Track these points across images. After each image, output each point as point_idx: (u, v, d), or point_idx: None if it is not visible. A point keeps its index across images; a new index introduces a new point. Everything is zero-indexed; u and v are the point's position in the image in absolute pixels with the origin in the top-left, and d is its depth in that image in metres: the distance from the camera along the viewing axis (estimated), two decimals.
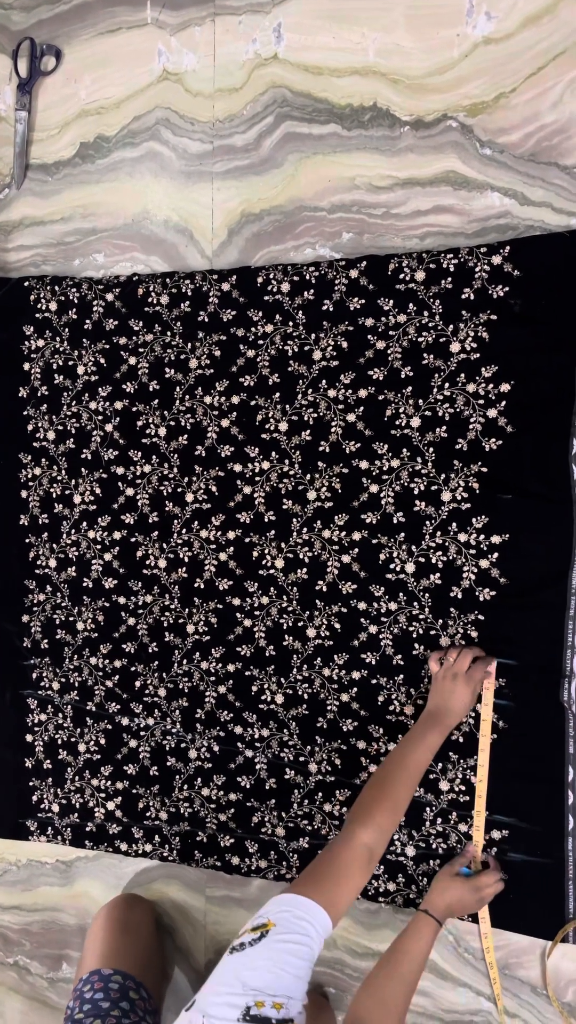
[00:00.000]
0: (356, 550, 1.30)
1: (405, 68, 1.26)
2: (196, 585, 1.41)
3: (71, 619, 1.51)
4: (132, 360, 1.44)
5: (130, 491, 1.45)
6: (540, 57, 1.18)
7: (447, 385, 1.24)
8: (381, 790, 1.07)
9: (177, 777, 1.44)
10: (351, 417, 1.29)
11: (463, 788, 1.24)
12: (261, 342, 1.35)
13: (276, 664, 1.36)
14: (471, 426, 1.22)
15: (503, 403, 1.20)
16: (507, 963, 1.26)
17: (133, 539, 1.45)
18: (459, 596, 1.24)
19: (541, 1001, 1.24)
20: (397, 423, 1.27)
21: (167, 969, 1.45)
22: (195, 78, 1.40)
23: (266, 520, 1.35)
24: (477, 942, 1.28)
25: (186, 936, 1.49)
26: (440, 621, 1.25)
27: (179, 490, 1.42)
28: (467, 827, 1.24)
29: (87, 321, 1.48)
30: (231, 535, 1.38)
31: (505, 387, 1.20)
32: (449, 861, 1.23)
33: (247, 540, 1.37)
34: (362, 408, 1.29)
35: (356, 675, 1.30)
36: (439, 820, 1.26)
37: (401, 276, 1.25)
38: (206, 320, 1.39)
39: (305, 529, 1.33)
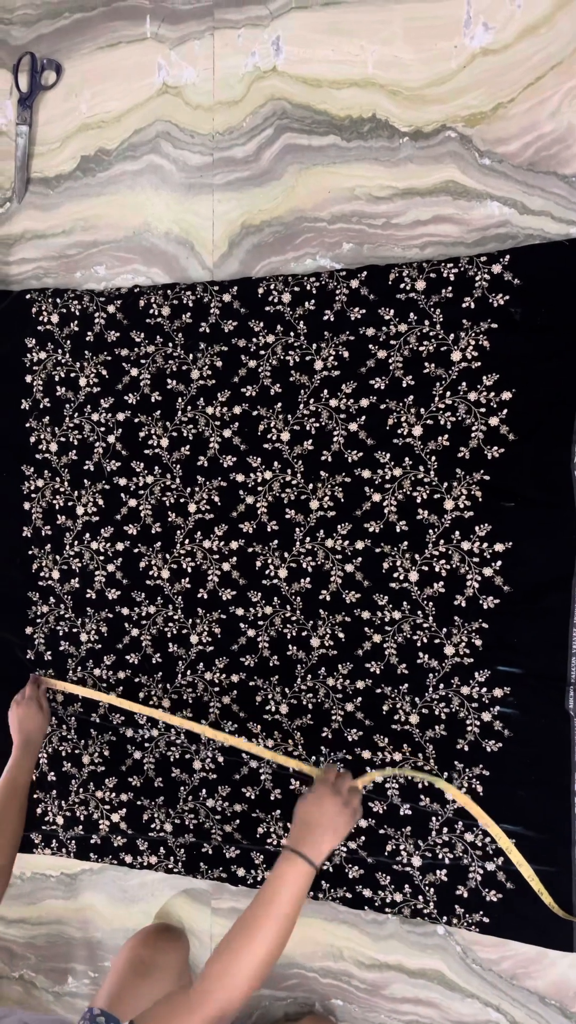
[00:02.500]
0: (359, 559, 1.30)
1: (404, 80, 1.27)
2: (199, 595, 1.41)
3: (74, 630, 1.51)
4: (134, 371, 1.45)
5: (133, 502, 1.45)
6: (538, 67, 1.19)
7: (448, 394, 1.24)
8: (238, 953, 0.93)
9: (182, 788, 1.44)
10: (353, 426, 1.30)
11: (469, 796, 1.24)
12: (262, 352, 1.35)
13: (280, 674, 1.36)
14: (473, 434, 1.22)
15: (505, 411, 1.20)
16: (515, 973, 1.25)
17: (136, 550, 1.45)
18: (463, 604, 1.23)
19: (551, 1011, 1.24)
20: (399, 432, 1.27)
21: None
22: (195, 91, 1.41)
23: (269, 530, 1.35)
24: (485, 953, 1.27)
25: (192, 949, 1.49)
26: (444, 630, 1.25)
27: (182, 500, 1.42)
28: (474, 836, 1.24)
29: (89, 333, 1.48)
30: (234, 545, 1.38)
31: (506, 395, 1.20)
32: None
33: (250, 550, 1.37)
34: (364, 417, 1.29)
35: (360, 684, 1.30)
36: (445, 829, 1.25)
37: (402, 286, 1.26)
38: (207, 331, 1.39)
39: (308, 538, 1.33)
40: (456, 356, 1.23)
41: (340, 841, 1.05)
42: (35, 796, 1.55)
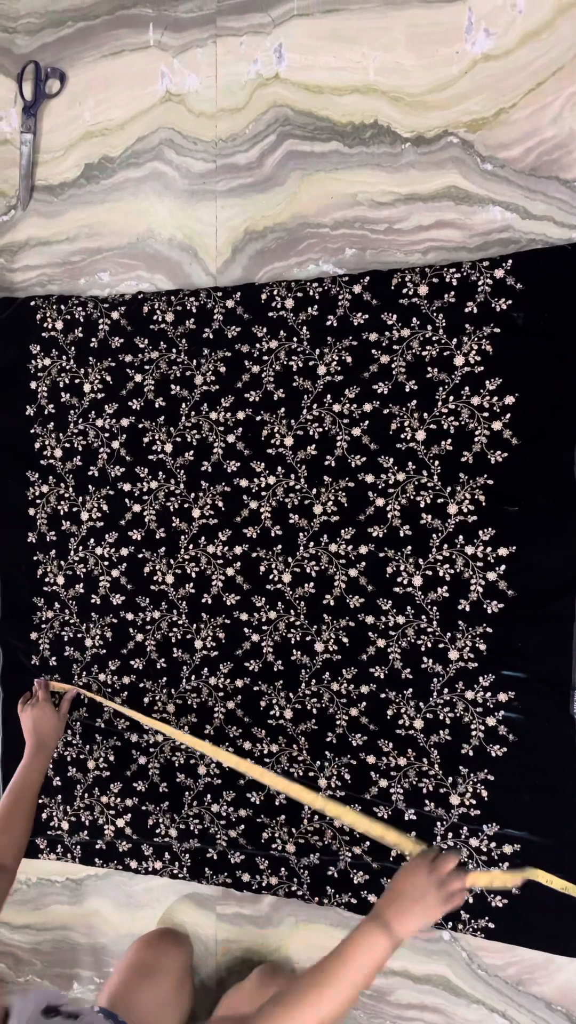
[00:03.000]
0: (363, 564, 1.30)
1: (405, 86, 1.27)
2: (204, 600, 1.41)
3: (79, 636, 1.52)
4: (138, 377, 1.45)
5: (137, 507, 1.46)
6: (539, 73, 1.19)
7: (452, 398, 1.24)
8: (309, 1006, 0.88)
9: (187, 793, 1.44)
10: (356, 431, 1.30)
11: (474, 802, 1.23)
12: (266, 358, 1.36)
13: (284, 679, 1.36)
14: (476, 439, 1.22)
15: (508, 415, 1.21)
16: (521, 979, 1.25)
17: (140, 555, 1.46)
18: (467, 609, 1.23)
19: (557, 1017, 1.23)
20: (402, 437, 1.27)
21: (182, 1018, 1.38)
22: (198, 99, 1.42)
23: (273, 535, 1.36)
24: (491, 958, 1.27)
25: (197, 954, 1.48)
26: (448, 634, 1.25)
27: (186, 506, 1.42)
28: (479, 841, 1.23)
29: (93, 339, 1.49)
30: (238, 550, 1.38)
31: (509, 399, 1.20)
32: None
33: (254, 555, 1.37)
34: (367, 422, 1.29)
35: (365, 689, 1.30)
36: (450, 835, 1.25)
37: (404, 291, 1.26)
38: (211, 337, 1.40)
39: (312, 543, 1.33)
40: (459, 361, 1.23)
41: (429, 922, 0.96)
42: (40, 801, 1.55)
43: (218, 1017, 0.89)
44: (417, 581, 1.26)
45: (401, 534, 1.27)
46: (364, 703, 1.30)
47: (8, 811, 1.31)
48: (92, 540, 1.50)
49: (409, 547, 1.27)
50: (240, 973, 1.44)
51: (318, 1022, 0.86)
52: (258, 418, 1.36)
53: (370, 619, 1.29)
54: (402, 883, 0.98)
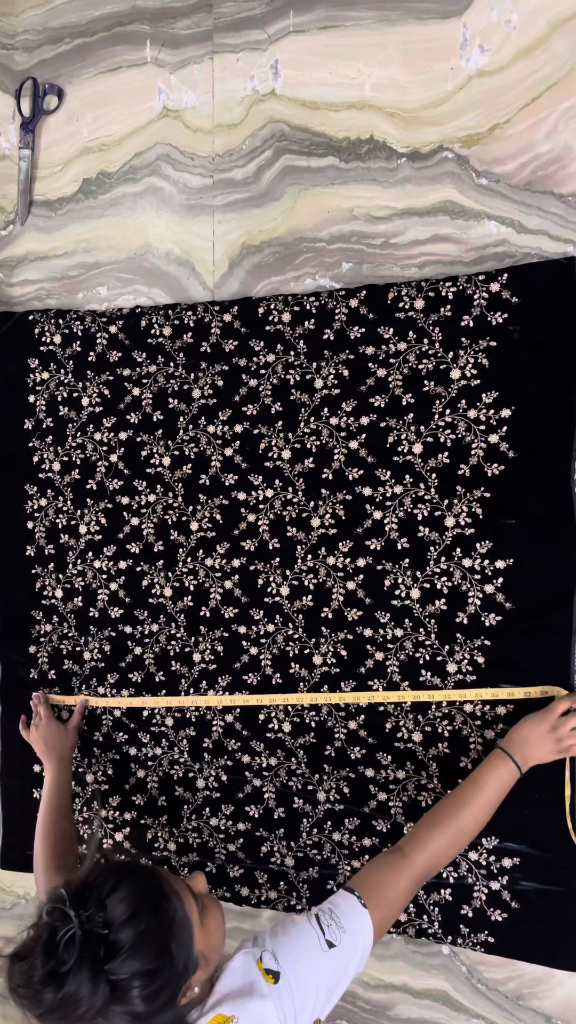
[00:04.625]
0: (361, 577, 1.30)
1: (401, 101, 1.28)
2: (202, 613, 1.41)
3: (78, 649, 1.52)
4: (136, 391, 1.46)
5: (135, 521, 1.46)
6: (534, 88, 1.20)
7: (448, 411, 1.24)
8: (440, 825, 1.06)
9: (185, 807, 1.43)
10: (353, 444, 1.30)
11: None
12: (263, 371, 1.36)
13: (283, 692, 1.35)
14: (473, 452, 1.23)
15: (504, 428, 1.21)
16: (521, 994, 1.24)
17: (139, 568, 1.46)
18: (465, 622, 1.23)
19: None
20: (399, 450, 1.27)
21: None
22: (195, 114, 1.43)
23: (271, 548, 1.36)
24: (491, 973, 1.26)
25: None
26: (446, 647, 1.25)
27: (184, 519, 1.42)
28: (477, 855, 1.23)
29: (91, 353, 1.49)
30: (236, 563, 1.38)
31: (506, 412, 1.21)
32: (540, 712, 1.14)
33: (252, 568, 1.37)
34: (364, 435, 1.29)
35: (364, 701, 1.30)
36: None
37: (401, 305, 1.27)
38: (208, 351, 1.40)
39: (310, 556, 1.33)
40: (455, 374, 1.24)
41: (545, 759, 1.11)
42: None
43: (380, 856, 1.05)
44: (415, 594, 1.27)
45: (399, 547, 1.27)
46: (363, 716, 1.30)
47: (51, 824, 1.34)
48: (90, 553, 1.50)
49: (407, 560, 1.27)
50: None
51: (463, 834, 1.05)
52: (256, 431, 1.37)
53: (368, 632, 1.29)
54: (528, 726, 1.13)
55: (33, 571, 1.55)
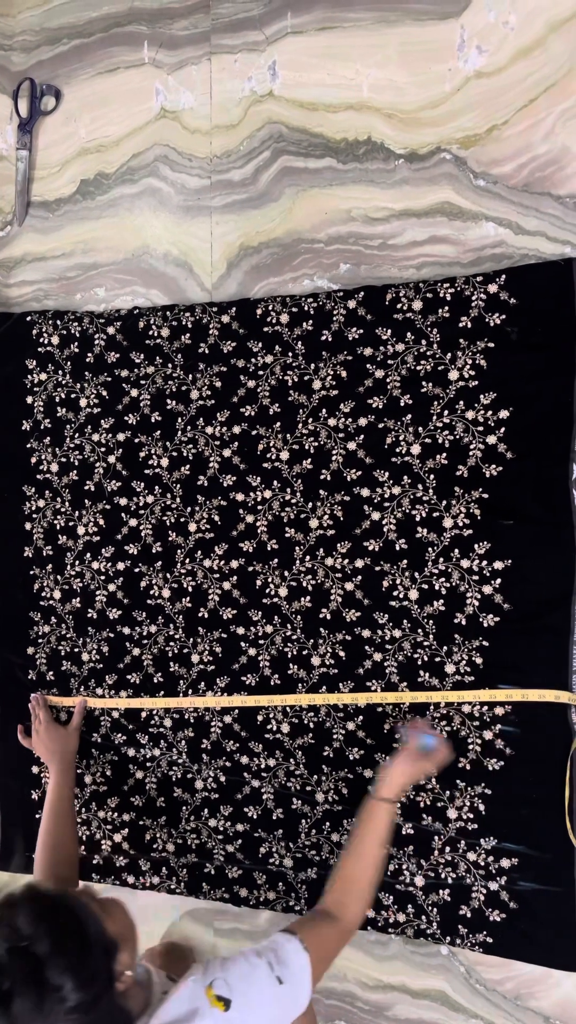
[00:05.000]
0: (359, 577, 1.30)
1: (399, 103, 1.28)
2: (200, 615, 1.41)
3: (76, 650, 1.52)
4: (134, 392, 1.46)
5: (133, 522, 1.46)
6: (531, 89, 1.20)
7: (446, 412, 1.24)
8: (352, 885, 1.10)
9: (184, 808, 1.43)
10: (352, 445, 1.30)
11: (471, 816, 1.23)
12: (261, 373, 1.36)
13: (282, 693, 1.35)
14: (471, 453, 1.23)
15: (502, 429, 1.21)
16: (519, 994, 1.24)
17: (137, 569, 1.46)
18: (463, 623, 1.24)
19: None
20: (397, 451, 1.27)
21: None
22: (192, 115, 1.43)
23: (269, 549, 1.36)
24: (489, 973, 1.26)
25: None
26: (445, 648, 1.25)
27: (182, 520, 1.42)
28: (476, 855, 1.23)
29: (89, 354, 1.49)
30: (234, 564, 1.38)
31: (504, 413, 1.21)
32: (400, 750, 1.17)
33: (250, 569, 1.37)
34: (362, 436, 1.29)
35: (362, 702, 1.30)
36: (448, 849, 1.25)
37: (399, 306, 1.27)
38: (207, 352, 1.40)
39: (308, 557, 1.33)
40: (453, 375, 1.24)
41: (412, 778, 1.15)
42: (36, 816, 1.55)
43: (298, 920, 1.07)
44: (413, 595, 1.27)
45: (397, 548, 1.27)
46: (361, 717, 1.30)
47: (52, 830, 1.34)
48: (88, 554, 1.50)
49: (405, 561, 1.27)
50: None
51: (375, 881, 1.09)
52: (254, 432, 1.37)
53: (366, 633, 1.29)
54: (393, 777, 1.14)
55: (31, 572, 1.55)
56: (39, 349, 1.54)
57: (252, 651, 1.38)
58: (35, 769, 1.56)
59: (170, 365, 1.43)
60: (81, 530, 1.50)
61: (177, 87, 1.43)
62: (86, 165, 1.52)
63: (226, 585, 1.39)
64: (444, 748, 1.16)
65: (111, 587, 1.48)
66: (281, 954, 0.93)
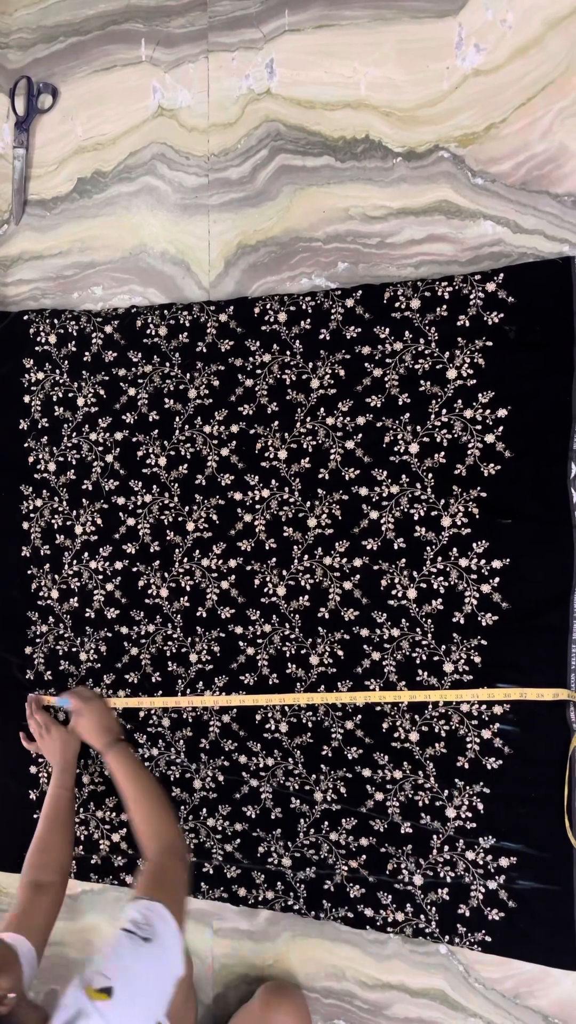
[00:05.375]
0: (357, 577, 1.30)
1: (396, 101, 1.28)
2: (198, 614, 1.41)
3: (74, 650, 1.51)
4: (131, 391, 1.45)
5: (131, 521, 1.46)
6: (529, 88, 1.20)
7: (445, 411, 1.24)
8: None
9: (182, 808, 1.43)
10: (350, 444, 1.30)
11: (470, 815, 1.23)
12: (259, 371, 1.36)
13: (279, 692, 1.35)
14: (469, 451, 1.23)
15: (501, 428, 1.21)
16: (518, 992, 1.24)
17: (135, 569, 1.46)
18: (461, 622, 1.23)
19: None
20: (396, 449, 1.27)
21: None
22: (190, 114, 1.42)
23: (267, 548, 1.36)
24: (488, 972, 1.26)
25: (193, 969, 1.48)
26: (443, 647, 1.25)
27: (180, 519, 1.42)
28: (475, 854, 1.23)
29: (86, 353, 1.49)
30: (232, 563, 1.38)
31: (502, 412, 1.21)
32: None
33: (248, 568, 1.37)
34: (361, 435, 1.29)
35: (361, 701, 1.30)
36: (446, 848, 1.25)
37: (397, 304, 1.27)
38: (204, 351, 1.40)
39: (306, 556, 1.33)
40: (451, 374, 1.24)
41: (87, 728, 1.39)
42: (35, 817, 1.55)
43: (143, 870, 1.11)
44: (412, 594, 1.26)
45: (395, 547, 1.27)
46: (360, 716, 1.30)
47: (44, 830, 1.34)
48: (86, 554, 1.49)
49: (403, 560, 1.27)
50: (237, 988, 1.44)
51: (160, 807, 1.20)
52: (252, 431, 1.36)
53: (365, 632, 1.29)
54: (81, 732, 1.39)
55: (29, 572, 1.55)
56: (36, 348, 1.53)
57: (250, 650, 1.37)
58: (33, 769, 1.56)
59: (168, 364, 1.43)
60: (79, 529, 1.50)
61: (174, 85, 1.43)
62: (83, 163, 1.51)
63: (224, 584, 1.39)
64: (75, 699, 1.41)
65: (109, 586, 1.48)
66: (137, 916, 0.96)
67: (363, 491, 1.29)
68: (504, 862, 1.21)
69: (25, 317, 1.54)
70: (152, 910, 0.96)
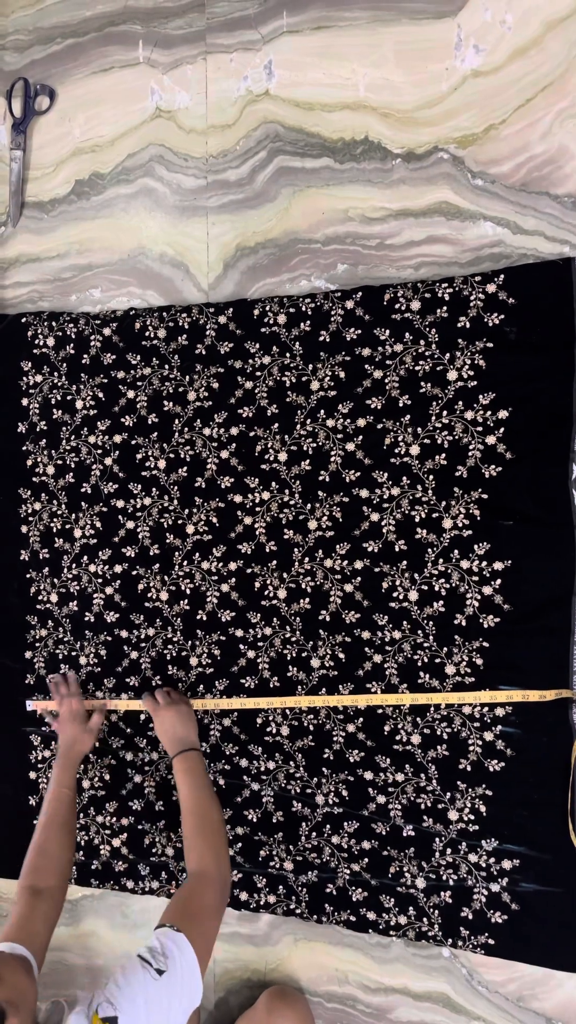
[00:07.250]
0: (358, 579, 1.29)
1: (395, 102, 1.27)
2: (199, 617, 1.41)
3: (73, 654, 1.51)
4: (130, 393, 1.45)
5: (130, 524, 1.45)
6: (528, 89, 1.20)
7: (445, 413, 1.24)
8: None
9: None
10: (350, 446, 1.30)
11: (472, 817, 1.23)
12: (259, 373, 1.36)
13: (281, 695, 1.35)
14: (470, 453, 1.22)
15: (501, 430, 1.21)
16: (521, 995, 1.24)
17: (134, 572, 1.45)
18: (463, 624, 1.23)
19: None
20: (396, 451, 1.27)
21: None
22: (188, 115, 1.42)
23: (267, 550, 1.35)
24: (491, 975, 1.26)
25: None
26: (445, 649, 1.24)
27: (180, 522, 1.41)
28: (477, 857, 1.23)
29: (85, 356, 1.48)
30: (232, 566, 1.38)
31: (503, 414, 1.21)
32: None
33: (249, 571, 1.37)
34: (361, 437, 1.29)
35: (362, 704, 1.30)
36: (449, 850, 1.25)
37: (397, 306, 1.26)
38: (203, 353, 1.39)
39: (307, 559, 1.33)
40: (452, 375, 1.23)
41: (192, 724, 1.34)
42: (34, 822, 1.54)
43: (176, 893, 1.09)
44: (413, 596, 1.26)
45: (396, 549, 1.27)
46: (361, 719, 1.30)
47: (43, 830, 1.30)
48: (85, 557, 1.49)
49: (404, 562, 1.27)
50: (239, 993, 1.43)
51: (217, 826, 1.16)
52: (252, 434, 1.36)
53: (366, 634, 1.29)
54: (169, 729, 1.31)
55: (28, 575, 1.54)
56: (34, 351, 1.53)
57: (251, 653, 1.37)
58: (32, 775, 1.55)
59: (167, 366, 1.42)
60: (78, 533, 1.49)
61: (172, 87, 1.43)
62: (81, 165, 1.51)
63: (224, 587, 1.39)
64: (163, 699, 1.35)
65: (108, 590, 1.47)
66: (153, 945, 0.97)
67: (364, 493, 1.29)
68: (507, 865, 1.21)
69: (23, 320, 1.54)
70: (172, 939, 0.97)
